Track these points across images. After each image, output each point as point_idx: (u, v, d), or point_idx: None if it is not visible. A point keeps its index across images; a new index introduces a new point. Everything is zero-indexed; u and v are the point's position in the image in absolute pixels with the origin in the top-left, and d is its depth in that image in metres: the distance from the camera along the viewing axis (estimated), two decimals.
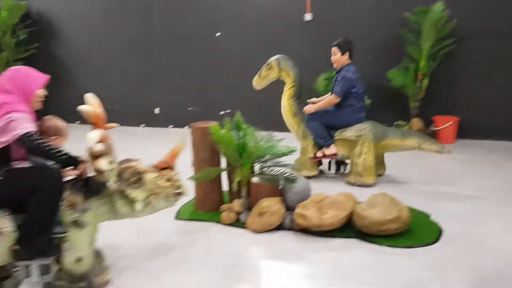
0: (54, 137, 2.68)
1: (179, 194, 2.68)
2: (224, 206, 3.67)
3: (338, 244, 3.14)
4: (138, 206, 2.59)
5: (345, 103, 4.42)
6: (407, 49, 6.27)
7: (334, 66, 4.54)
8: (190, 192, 3.80)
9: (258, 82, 4.78)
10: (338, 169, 4.87)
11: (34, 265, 2.54)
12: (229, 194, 3.87)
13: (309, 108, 4.50)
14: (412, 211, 3.59)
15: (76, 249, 2.56)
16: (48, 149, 2.35)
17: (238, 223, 3.51)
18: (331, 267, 2.83)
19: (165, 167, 2.71)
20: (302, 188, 3.54)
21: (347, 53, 4.43)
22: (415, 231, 3.26)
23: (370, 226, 3.14)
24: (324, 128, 4.44)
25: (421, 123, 6.32)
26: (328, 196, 3.40)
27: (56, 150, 2.39)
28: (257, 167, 3.65)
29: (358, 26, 6.56)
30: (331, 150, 4.45)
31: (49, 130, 2.69)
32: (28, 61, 7.77)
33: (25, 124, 2.34)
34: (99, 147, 2.46)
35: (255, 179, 3.59)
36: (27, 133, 2.31)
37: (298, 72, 4.65)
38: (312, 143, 4.55)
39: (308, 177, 4.53)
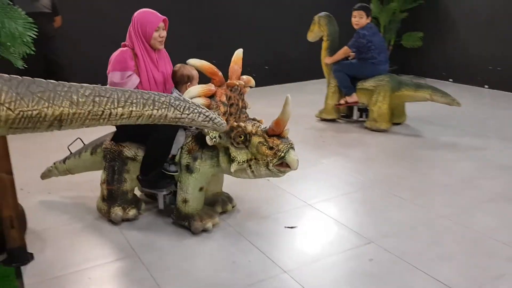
0: (187, 84, 2.89)
1: (286, 166, 2.47)
2: None
3: None
4: (233, 166, 2.55)
5: (367, 56, 4.92)
6: None
7: (356, 27, 4.96)
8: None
9: (309, 36, 5.47)
10: (360, 115, 5.32)
11: (159, 194, 2.99)
12: None
13: (326, 59, 5.20)
14: None
15: (183, 191, 2.77)
16: None
17: None
18: None
19: (272, 134, 2.50)
20: None
21: (370, 17, 4.96)
22: None
23: None
24: (347, 78, 5.01)
25: None
26: None
27: None
28: None
29: None
30: (353, 98, 5.06)
31: (183, 79, 2.93)
32: (412, 13, 7.56)
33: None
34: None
35: None
36: None
37: (333, 28, 5.23)
38: (335, 89, 5.21)
39: (325, 120, 5.26)
